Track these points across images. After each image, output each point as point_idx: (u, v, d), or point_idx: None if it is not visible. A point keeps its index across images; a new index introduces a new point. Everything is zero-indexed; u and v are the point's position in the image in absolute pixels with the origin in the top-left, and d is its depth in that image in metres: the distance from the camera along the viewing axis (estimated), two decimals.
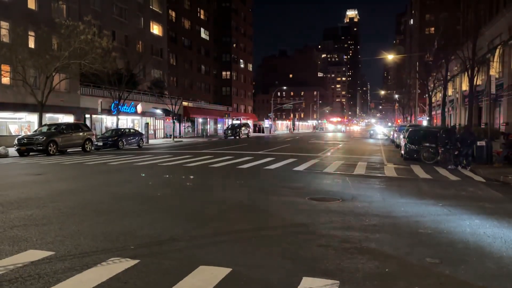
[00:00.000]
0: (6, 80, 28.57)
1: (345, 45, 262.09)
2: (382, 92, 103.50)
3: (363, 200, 8.68)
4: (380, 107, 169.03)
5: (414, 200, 8.85)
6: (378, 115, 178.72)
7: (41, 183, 11.19)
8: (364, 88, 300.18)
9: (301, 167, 15.25)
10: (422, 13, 72.79)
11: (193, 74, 62.78)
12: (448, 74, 34.42)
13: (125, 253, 4.89)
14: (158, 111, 46.89)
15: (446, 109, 36.68)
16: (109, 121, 40.17)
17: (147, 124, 43.98)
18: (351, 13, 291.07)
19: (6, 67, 27.77)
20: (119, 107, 35.91)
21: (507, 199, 9.42)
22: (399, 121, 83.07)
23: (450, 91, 38.98)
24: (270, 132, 72.30)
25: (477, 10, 28.64)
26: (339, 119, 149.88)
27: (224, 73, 76.43)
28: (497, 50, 26.40)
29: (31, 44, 30.33)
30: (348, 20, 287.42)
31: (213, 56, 70.68)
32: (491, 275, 4.39)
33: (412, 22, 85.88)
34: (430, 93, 39.31)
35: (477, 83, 26.69)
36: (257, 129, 79.00)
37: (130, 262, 4.56)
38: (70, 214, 7.14)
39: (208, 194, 9.59)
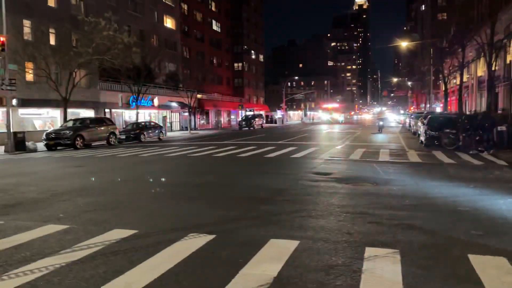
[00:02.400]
0: (30, 77, 29.38)
1: (355, 33, 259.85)
2: (394, 80, 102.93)
3: (397, 184, 9.17)
4: (392, 94, 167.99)
5: (445, 183, 9.31)
6: (390, 102, 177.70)
7: (86, 174, 11.89)
8: (374, 76, 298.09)
9: (325, 155, 15.74)
10: None
11: (206, 66, 63.29)
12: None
13: (200, 230, 5.48)
14: (174, 104, 47.61)
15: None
16: (126, 115, 41.02)
17: (164, 117, 44.77)
18: (360, 0, 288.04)
19: (29, 65, 28.56)
20: (137, 101, 36.66)
21: None
22: (412, 108, 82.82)
23: (465, 77, 38.96)
24: (282, 123, 72.70)
25: None
26: (335, 105, 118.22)
27: (236, 64, 76.77)
28: None
29: (53, 41, 31.10)
30: (357, 7, 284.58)
31: (225, 48, 71.05)
32: None
33: (423, 8, 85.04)
34: (446, 79, 39.29)
35: (494, 69, 26.80)
36: (269, 119, 79.42)
37: (208, 237, 5.15)
38: (132, 200, 7.79)
39: (248, 180, 10.16)
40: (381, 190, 8.46)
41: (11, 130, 21.92)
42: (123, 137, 28.43)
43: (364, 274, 3.94)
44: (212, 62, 65.90)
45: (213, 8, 66.31)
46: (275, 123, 74.10)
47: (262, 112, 71.52)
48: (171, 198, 8.03)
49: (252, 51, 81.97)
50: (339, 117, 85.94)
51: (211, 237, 5.17)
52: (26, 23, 29.87)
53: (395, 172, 11.21)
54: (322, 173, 11.07)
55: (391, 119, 74.92)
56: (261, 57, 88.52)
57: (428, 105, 57.63)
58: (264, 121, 62.55)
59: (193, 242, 4.98)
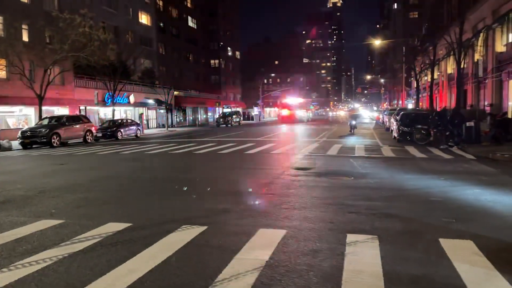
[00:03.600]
0: (2, 74, 28.73)
1: (329, 30, 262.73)
2: (368, 77, 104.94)
3: (373, 177, 9.68)
4: (366, 91, 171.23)
5: (418, 175, 9.89)
6: (364, 99, 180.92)
7: (70, 171, 11.95)
8: (348, 73, 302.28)
9: (305, 151, 16.21)
10: None
11: (182, 63, 63.02)
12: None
13: (192, 222, 5.78)
14: (150, 101, 47.27)
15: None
16: (102, 112, 40.52)
17: (141, 114, 44.45)
18: None
19: (2, 61, 27.93)
20: (113, 98, 36.32)
21: (499, 172, 10.53)
22: (385, 105, 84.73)
23: (436, 75, 40.31)
24: (259, 119, 73.17)
25: None
26: (300, 100, 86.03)
27: (212, 61, 76.68)
28: (481, 34, 27.65)
29: (26, 38, 30.47)
30: (331, 5, 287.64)
31: (201, 44, 70.85)
32: (497, 227, 5.43)
33: (395, 6, 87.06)
34: (417, 76, 40.54)
35: (463, 67, 27.93)
36: (246, 116, 79.71)
37: (201, 228, 5.47)
38: (121, 196, 8.02)
39: (232, 176, 10.48)
40: (360, 183, 8.94)
41: None
42: (100, 134, 28.22)
43: (347, 257, 4.35)
44: (188, 59, 65.66)
45: (189, 5, 65.99)
46: (252, 119, 74.49)
47: (240, 109, 71.79)
48: (160, 193, 8.28)
49: (228, 48, 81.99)
50: (304, 114, 67.21)
51: (203, 228, 5.49)
52: None
53: (371, 166, 11.74)
54: (302, 168, 11.50)
55: (365, 115, 76.48)
56: (237, 53, 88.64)
57: (400, 102, 59.19)
58: (242, 118, 62.85)
59: (186, 233, 5.28)
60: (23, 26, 30.47)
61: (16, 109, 31.35)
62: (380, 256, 4.36)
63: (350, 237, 5.02)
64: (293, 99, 71.88)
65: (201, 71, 70.91)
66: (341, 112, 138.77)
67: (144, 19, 51.55)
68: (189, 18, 66.00)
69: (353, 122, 28.35)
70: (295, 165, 12.19)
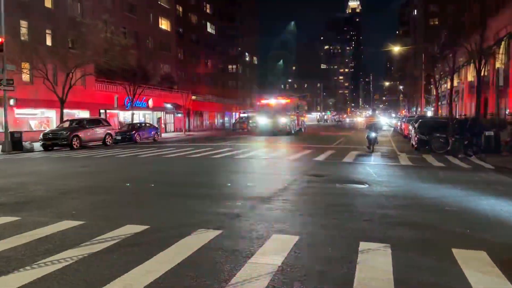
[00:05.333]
0: (26, 77, 29.55)
1: (348, 36, 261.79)
2: (386, 84, 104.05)
3: (389, 185, 9.67)
4: (384, 98, 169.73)
5: (434, 184, 9.83)
6: (382, 106, 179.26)
7: (91, 173, 12.28)
8: (366, 79, 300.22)
9: (320, 157, 16.23)
10: (425, 4, 73.20)
11: (200, 68, 63.67)
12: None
13: (207, 225, 5.92)
14: (168, 106, 47.93)
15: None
16: (121, 116, 41.28)
17: (159, 118, 45.07)
18: (353, 3, 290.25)
19: (26, 65, 28.74)
20: (132, 102, 36.98)
21: None
22: (403, 112, 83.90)
23: (455, 82, 39.79)
24: None
25: (483, 2, 29.38)
26: (287, 100, 38.71)
27: (230, 66, 77.26)
28: (503, 42, 27.24)
29: (49, 42, 31.34)
30: (350, 11, 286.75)
31: (219, 50, 71.48)
32: None
33: (415, 13, 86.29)
34: (437, 84, 40.09)
35: (484, 74, 27.54)
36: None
37: (216, 232, 5.59)
38: (139, 198, 8.24)
39: (248, 181, 10.60)
40: (374, 191, 8.95)
41: (8, 130, 22.16)
42: (119, 137, 28.72)
43: (359, 265, 4.40)
44: (206, 64, 66.31)
45: (208, 11, 66.77)
46: None
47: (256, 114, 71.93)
48: (176, 196, 8.45)
49: (246, 53, 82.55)
50: (288, 120, 35.81)
51: (218, 232, 5.61)
52: (23, 23, 30.08)
53: (387, 174, 11.71)
54: (317, 174, 11.54)
55: (383, 122, 75.74)
56: (254, 59, 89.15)
57: (419, 109, 58.57)
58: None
59: (202, 236, 5.41)
60: (47, 31, 31.43)
61: (38, 111, 32.21)
62: (392, 265, 4.40)
63: (363, 245, 5.07)
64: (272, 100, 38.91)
65: (218, 76, 71.47)
66: (359, 118, 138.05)
67: (164, 24, 52.36)
68: (208, 24, 66.74)
69: (373, 135, 18.92)
70: (310, 171, 12.24)
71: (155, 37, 49.23)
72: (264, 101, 37.62)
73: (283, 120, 34.24)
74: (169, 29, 53.40)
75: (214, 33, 69.06)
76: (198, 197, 8.31)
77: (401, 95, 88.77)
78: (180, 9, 57.38)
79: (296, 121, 37.93)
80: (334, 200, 7.95)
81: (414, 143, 20.48)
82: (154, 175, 11.86)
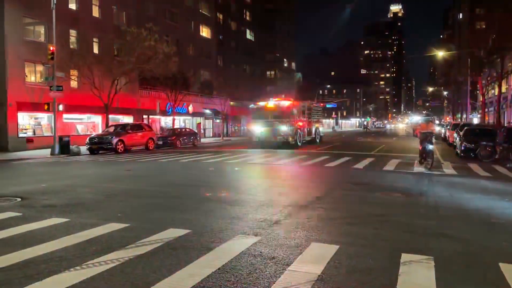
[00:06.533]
0: (74, 83, 30.99)
1: (389, 41, 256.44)
2: (430, 89, 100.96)
3: (432, 195, 9.41)
4: (427, 104, 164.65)
5: (479, 195, 9.47)
6: (425, 112, 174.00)
7: (136, 177, 12.77)
8: (409, 85, 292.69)
9: (359, 165, 16.00)
10: (471, 7, 70.59)
11: (239, 74, 64.33)
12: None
13: (246, 231, 6.02)
14: (207, 111, 48.76)
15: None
16: (163, 121, 42.42)
17: (198, 124, 45.92)
18: (395, 7, 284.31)
19: (74, 72, 30.17)
20: (174, 108, 37.97)
21: None
22: (448, 118, 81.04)
23: (504, 88, 38.08)
24: None
25: None
26: (290, 102, 28.74)
27: (268, 72, 77.64)
28: None
29: (96, 50, 32.76)
30: (392, 15, 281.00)
31: (258, 56, 72.01)
32: None
33: (460, 17, 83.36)
34: (483, 90, 38.52)
35: None
36: None
37: (255, 238, 5.68)
38: (182, 202, 8.45)
39: (285, 188, 10.63)
40: (416, 201, 8.74)
41: (57, 134, 23.36)
42: (160, 142, 29.51)
43: (400, 277, 4.34)
44: (244, 70, 66.96)
45: (247, 18, 67.52)
46: None
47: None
48: (216, 201, 8.62)
49: (284, 59, 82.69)
50: (287, 128, 26.42)
51: (257, 238, 5.69)
52: (72, 32, 31.58)
53: (430, 183, 11.39)
54: (357, 182, 11.40)
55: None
56: (293, 65, 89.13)
57: (464, 116, 56.42)
58: None
59: (241, 242, 5.51)
60: (94, 40, 32.85)
61: (85, 116, 33.65)
62: (435, 278, 4.31)
63: (405, 257, 4.98)
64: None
65: (257, 82, 71.93)
66: (400, 125, 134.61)
67: (204, 32, 53.43)
68: (247, 30, 67.46)
69: (431, 147, 15.10)
70: (350, 179, 12.10)
71: (196, 45, 50.31)
72: (260, 104, 29.09)
73: (283, 128, 26.11)
74: (209, 37, 54.43)
75: (253, 39, 69.70)
76: (237, 203, 8.44)
77: (445, 101, 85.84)
78: (221, 16, 58.38)
79: (304, 129, 28.93)
80: (374, 210, 7.84)
81: (459, 151, 19.77)
82: (195, 180, 12.13)
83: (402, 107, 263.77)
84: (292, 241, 5.63)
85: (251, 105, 30.09)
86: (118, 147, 23.97)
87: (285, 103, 28.23)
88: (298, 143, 26.99)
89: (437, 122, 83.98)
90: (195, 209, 7.85)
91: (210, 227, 6.35)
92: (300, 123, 28.01)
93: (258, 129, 27.22)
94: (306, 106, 30.29)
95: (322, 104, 40.48)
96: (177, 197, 9.14)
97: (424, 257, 4.96)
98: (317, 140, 31.97)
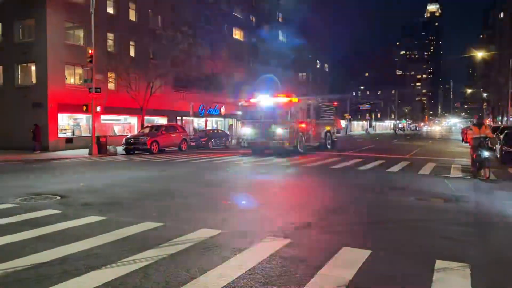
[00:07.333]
0: (111, 86, 31.95)
1: (426, 41, 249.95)
2: (468, 91, 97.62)
3: (469, 201, 9.10)
4: (466, 106, 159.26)
5: None
6: (463, 114, 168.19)
7: (170, 177, 13.11)
8: (446, 86, 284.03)
9: (394, 168, 15.68)
10: None
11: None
12: None
13: (277, 234, 6.04)
14: (239, 113, 49.02)
15: None
16: (196, 123, 43.04)
17: (230, 125, 46.31)
18: (432, 7, 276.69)
19: (111, 75, 31.14)
20: (206, 109, 38.50)
21: None
22: (487, 121, 78.08)
23: None
24: (346, 133, 71.93)
25: None
26: (288, 99, 22.40)
27: (300, 74, 77.34)
28: None
29: (133, 53, 33.67)
30: (429, 15, 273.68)
31: (290, 57, 71.81)
32: None
33: (502, 16, 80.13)
34: None
35: None
36: None
37: (285, 241, 5.69)
38: (214, 203, 8.58)
39: (318, 190, 10.57)
40: (452, 207, 8.49)
41: (95, 135, 24.17)
42: (193, 143, 29.98)
43: (434, 284, 4.24)
44: (276, 72, 66.91)
45: (280, 20, 67.57)
46: (338, 133, 73.36)
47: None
48: (248, 203, 8.70)
49: (317, 61, 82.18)
50: (283, 131, 21.27)
51: (287, 241, 5.70)
52: (110, 36, 32.56)
53: (467, 188, 11.02)
54: (390, 186, 11.18)
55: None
56: (326, 66, 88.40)
57: (505, 119, 54.21)
58: None
59: (272, 244, 5.53)
60: (131, 43, 33.78)
61: (121, 118, 34.63)
62: (470, 286, 4.18)
63: (439, 263, 4.86)
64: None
65: (288, 84, 71.77)
66: (437, 128, 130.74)
67: (237, 35, 53.90)
68: (280, 32, 67.48)
69: (486, 154, 13.04)
70: (383, 183, 11.89)
71: (228, 47, 50.73)
72: (252, 101, 23.19)
73: (278, 131, 21.11)
74: (242, 39, 54.87)
75: (285, 41, 69.65)
76: (268, 205, 8.47)
77: (485, 103, 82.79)
78: (253, 19, 58.70)
79: (309, 132, 23.88)
80: (408, 214, 7.67)
81: (498, 156, 19.03)
82: (227, 181, 12.25)
83: (439, 109, 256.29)
84: (323, 245, 5.61)
85: (241, 103, 24.83)
86: (152, 147, 24.52)
87: (282, 99, 22.33)
88: (299, 149, 22.13)
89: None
90: (226, 210, 7.95)
91: (241, 228, 6.42)
92: (303, 125, 22.85)
93: (247, 131, 22.59)
94: (312, 104, 25.33)
95: (335, 103, 33.23)
96: (209, 198, 9.27)
97: (460, 265, 4.82)
98: (328, 146, 26.54)
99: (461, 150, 28.00)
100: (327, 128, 27.13)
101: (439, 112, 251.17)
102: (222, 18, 49.94)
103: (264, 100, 22.66)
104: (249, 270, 4.56)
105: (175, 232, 6.10)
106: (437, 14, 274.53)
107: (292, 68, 73.15)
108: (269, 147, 21.73)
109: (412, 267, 4.79)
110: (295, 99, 22.57)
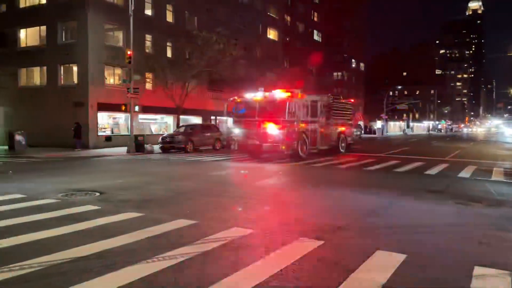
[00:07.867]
0: (149, 86, 32.73)
1: (467, 40, 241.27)
2: None
3: (511, 206, 8.73)
4: (509, 107, 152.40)
5: None
6: (506, 115, 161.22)
7: (204, 176, 13.24)
8: (488, 86, 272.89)
9: (432, 171, 15.24)
10: None
11: (305, 76, 64.00)
12: None
13: (309, 235, 6.01)
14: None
15: None
16: (229, 122, 43.38)
17: None
18: (474, 4, 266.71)
19: (149, 75, 31.92)
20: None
21: None
22: None
23: None
24: (382, 134, 70.44)
25: None
26: (287, 95, 18.81)
27: (335, 73, 76.53)
28: None
29: (169, 54, 34.39)
30: (470, 12, 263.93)
31: (325, 57, 71.13)
32: None
33: None
34: None
35: None
36: (367, 130, 77.38)
37: (318, 242, 5.65)
38: (246, 202, 8.64)
39: (352, 193, 10.43)
40: (494, 211, 8.16)
41: (133, 133, 24.85)
42: (226, 143, 30.23)
43: None
44: (311, 71, 66.50)
45: (315, 19, 67.03)
46: (374, 133, 72.05)
47: (361, 122, 70.09)
48: (281, 202, 8.73)
49: (353, 60, 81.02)
50: (278, 132, 18.44)
51: (320, 242, 5.66)
52: (148, 37, 33.37)
53: (510, 193, 10.57)
54: (428, 189, 10.88)
55: (507, 133, 68.41)
56: (361, 65, 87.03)
57: None
58: (363, 132, 61.33)
59: (303, 246, 5.51)
60: (168, 44, 34.50)
61: (158, 117, 35.46)
62: None
63: (478, 270, 4.69)
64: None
65: (323, 84, 71.11)
66: (478, 129, 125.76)
67: (271, 34, 53.87)
68: (315, 31, 66.96)
69: None
70: (421, 186, 11.58)
71: (262, 47, 50.88)
72: (246, 97, 20.87)
73: (272, 131, 18.36)
74: (276, 39, 54.79)
75: (320, 40, 69.06)
76: (300, 205, 8.45)
77: None
78: (288, 18, 58.53)
79: (316, 134, 20.93)
80: (446, 218, 7.45)
81: None
82: (258, 181, 12.30)
83: (480, 110, 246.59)
84: (356, 247, 5.54)
85: (231, 98, 22.23)
86: (187, 146, 24.96)
87: (280, 95, 19.10)
88: (300, 153, 19.29)
89: None
90: (259, 209, 7.99)
91: (273, 228, 6.44)
92: (303, 125, 19.71)
93: (237, 131, 20.28)
94: (321, 102, 22.06)
95: (352, 100, 29.58)
96: (241, 197, 9.34)
97: (500, 272, 4.64)
98: (341, 149, 23.54)
99: (503, 153, 26.89)
100: (341, 128, 23.83)
101: (480, 113, 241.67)
102: (257, 18, 50.08)
103: (259, 96, 19.81)
104: (280, 270, 4.57)
105: (208, 230, 6.20)
106: (479, 11, 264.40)
107: (327, 67, 72.43)
108: (261, 149, 18.89)
109: (448, 273, 4.64)
110: (296, 95, 19.58)
